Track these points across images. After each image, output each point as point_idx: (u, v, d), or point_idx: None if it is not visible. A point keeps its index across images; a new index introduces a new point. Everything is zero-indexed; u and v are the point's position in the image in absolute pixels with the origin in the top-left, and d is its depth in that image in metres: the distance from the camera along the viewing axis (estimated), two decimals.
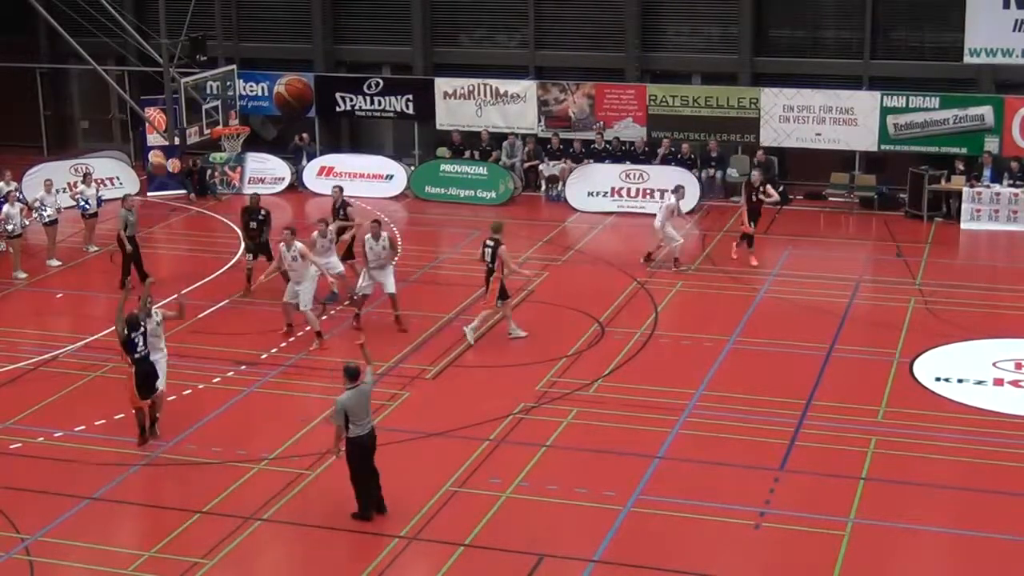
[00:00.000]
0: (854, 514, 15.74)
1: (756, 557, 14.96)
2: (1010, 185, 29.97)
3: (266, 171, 34.21)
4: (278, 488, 16.53)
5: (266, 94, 36.29)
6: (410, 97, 35.22)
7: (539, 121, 34.17)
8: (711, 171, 32.68)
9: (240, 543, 15.17)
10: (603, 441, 18.01)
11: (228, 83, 34.44)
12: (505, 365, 20.85)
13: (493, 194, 32.47)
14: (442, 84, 34.86)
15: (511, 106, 34.29)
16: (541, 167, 33.38)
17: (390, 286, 22.53)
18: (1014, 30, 30.33)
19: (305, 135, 35.10)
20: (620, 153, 32.91)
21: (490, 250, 21.90)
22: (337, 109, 35.93)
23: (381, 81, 35.51)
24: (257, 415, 19.17)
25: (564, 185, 32.27)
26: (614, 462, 17.32)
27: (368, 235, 22.42)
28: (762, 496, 16.25)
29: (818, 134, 32.17)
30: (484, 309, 22.19)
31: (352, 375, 15.62)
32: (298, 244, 21.86)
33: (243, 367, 20.93)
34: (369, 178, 33.47)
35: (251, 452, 17.64)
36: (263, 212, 25.02)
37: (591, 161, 32.64)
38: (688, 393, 19.58)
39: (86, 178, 28.79)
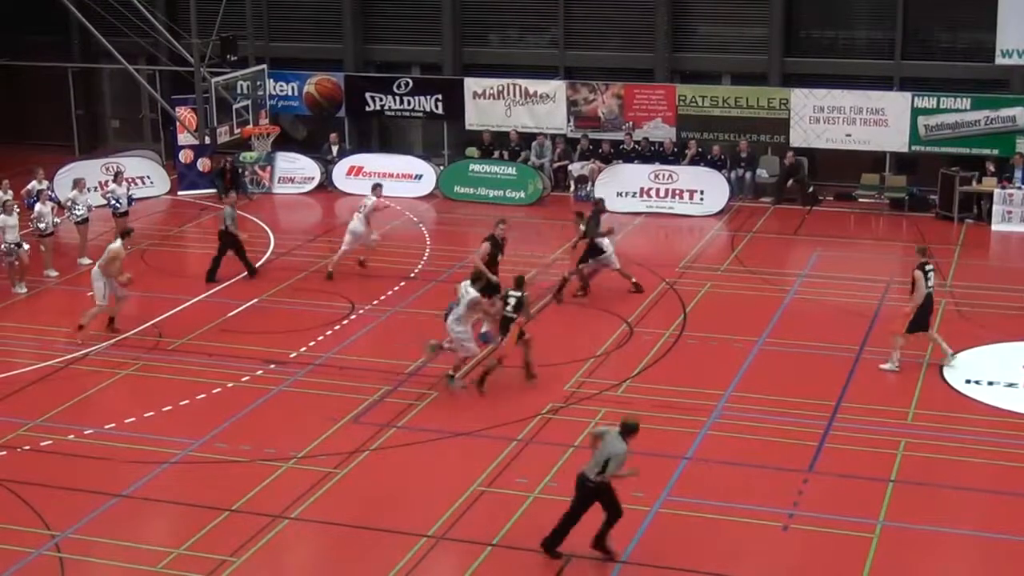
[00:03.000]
0: (883, 516, 15.69)
1: (784, 559, 14.93)
2: None
3: (296, 171, 34.31)
4: (306, 487, 16.58)
5: (296, 94, 36.40)
6: (439, 97, 35.28)
7: (568, 121, 34.17)
8: (741, 171, 32.60)
9: (268, 541, 15.23)
10: (632, 442, 17.95)
11: (258, 83, 34.54)
12: (534, 365, 20.82)
13: (522, 194, 32.49)
14: (471, 84, 34.90)
15: (540, 106, 34.29)
16: (570, 167, 33.37)
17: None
18: None
19: (334, 135, 35.17)
20: (649, 153, 32.87)
21: (514, 301, 20.14)
22: (367, 109, 36.01)
23: (411, 81, 35.58)
24: (286, 414, 19.22)
25: (593, 185, 32.25)
26: (642, 463, 17.17)
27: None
28: (791, 497, 16.22)
29: (848, 135, 32.06)
30: (499, 356, 20.36)
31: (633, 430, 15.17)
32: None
33: (272, 366, 21.00)
34: (398, 178, 33.51)
35: (280, 450, 17.70)
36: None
37: (620, 161, 32.61)
38: (717, 394, 19.55)
39: (117, 177, 28.95)
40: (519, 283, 20.17)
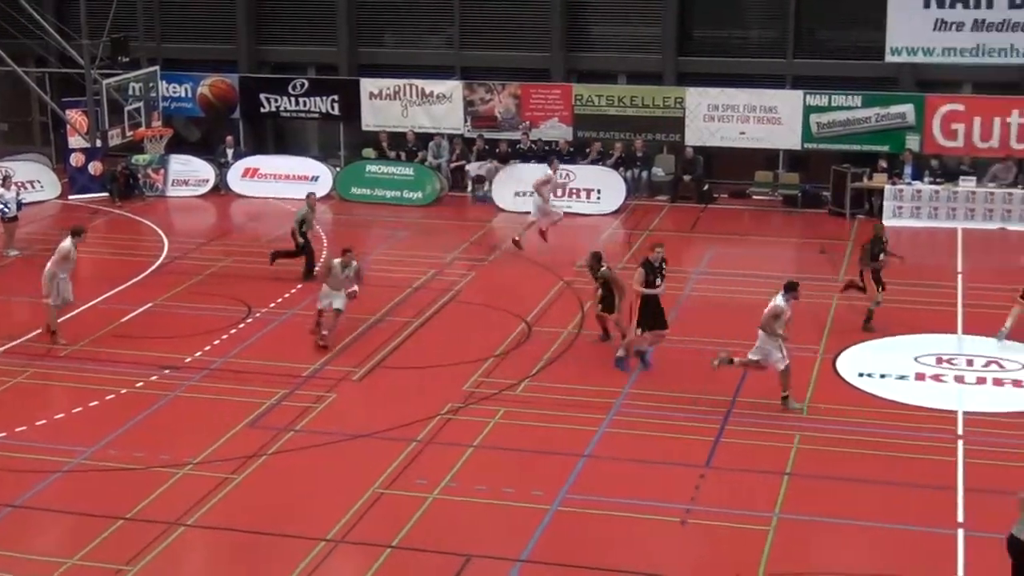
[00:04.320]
0: (779, 509, 15.86)
1: (683, 553, 15.03)
2: (931, 182, 30.39)
3: (190, 173, 33.90)
4: (203, 493, 16.36)
5: (189, 95, 36.01)
6: (335, 98, 35.10)
7: (465, 121, 34.16)
8: (637, 170, 32.81)
9: (164, 549, 14.99)
10: (531, 441, 18.02)
11: (151, 84, 34.11)
12: (432, 366, 20.79)
13: (419, 194, 32.42)
14: (368, 84, 34.76)
15: (437, 106, 34.25)
16: (467, 167, 33.37)
17: (340, 304, 21.83)
18: (934, 29, 30.73)
19: (229, 137, 34.82)
20: (545, 153, 32.96)
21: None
22: (262, 110, 35.72)
23: (306, 82, 35.36)
24: (181, 419, 18.95)
25: (491, 185, 32.28)
26: (541, 461, 17.33)
27: (337, 261, 21.69)
28: (688, 492, 16.33)
29: (742, 133, 32.43)
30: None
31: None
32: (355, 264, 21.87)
33: (167, 371, 20.72)
34: (294, 179, 33.27)
35: (175, 457, 17.45)
36: None
37: (517, 161, 32.66)
38: (615, 391, 19.64)
39: (5, 181, 28.35)
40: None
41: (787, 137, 32.27)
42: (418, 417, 18.66)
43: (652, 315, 20.40)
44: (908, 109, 31.50)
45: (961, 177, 30.35)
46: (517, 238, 27.56)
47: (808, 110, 31.99)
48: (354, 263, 21.74)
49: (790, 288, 18.86)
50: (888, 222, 29.75)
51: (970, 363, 20.86)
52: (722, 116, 32.50)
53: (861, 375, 20.37)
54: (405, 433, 18.14)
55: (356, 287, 21.81)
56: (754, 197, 32.56)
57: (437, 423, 18.53)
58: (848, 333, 22.16)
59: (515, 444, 17.90)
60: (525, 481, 16.60)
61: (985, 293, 24.45)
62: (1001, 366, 20.78)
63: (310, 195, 26.81)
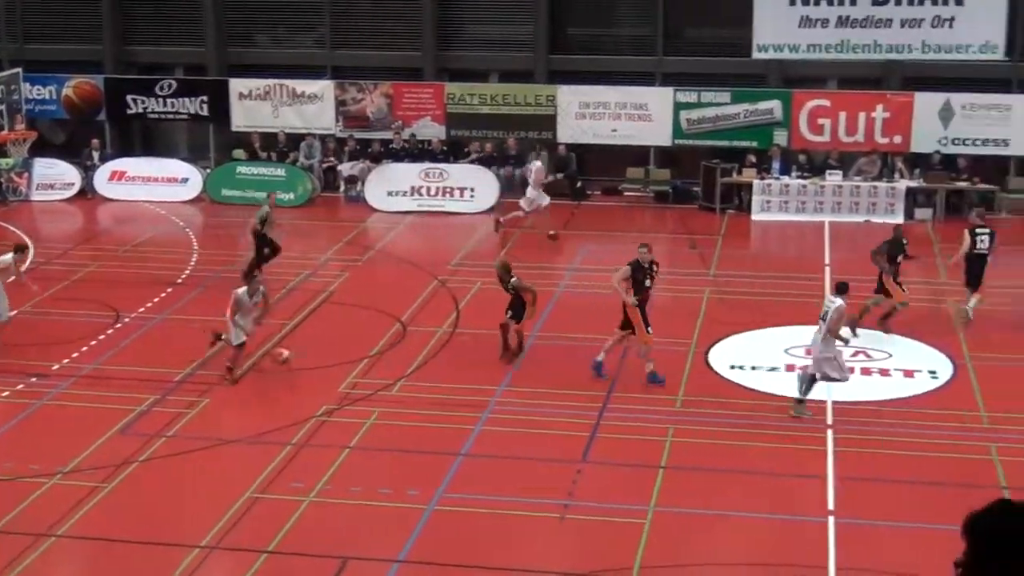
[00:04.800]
0: (655, 502, 15.99)
1: (561, 548, 15.09)
2: (798, 177, 30.93)
3: (55, 177, 33.25)
4: (73, 502, 16.02)
5: (53, 97, 35.27)
6: (204, 99, 34.64)
7: (337, 121, 33.96)
8: (510, 169, 32.90)
9: (33, 561, 14.65)
10: (407, 441, 17.95)
11: (13, 87, 33.34)
12: (306, 368, 20.61)
13: (292, 195, 32.14)
14: (237, 85, 34.38)
15: (308, 106, 34.00)
16: (340, 167, 33.17)
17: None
18: (800, 26, 31.27)
19: (95, 140, 34.18)
20: (418, 152, 32.90)
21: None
22: (128, 112, 35.12)
23: (174, 83, 34.85)
24: (50, 428, 18.54)
25: (363, 185, 32.13)
26: (418, 461, 17.27)
27: (243, 290, 20.29)
28: (566, 488, 16.40)
29: (614, 130, 32.68)
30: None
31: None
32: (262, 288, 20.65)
33: (34, 379, 20.25)
34: (164, 182, 32.80)
35: (44, 466, 17.06)
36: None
37: (390, 161, 32.55)
38: (491, 389, 19.66)
39: None
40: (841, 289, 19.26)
41: (658, 134, 32.60)
42: (293, 420, 18.48)
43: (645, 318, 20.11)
44: (775, 105, 32.02)
45: (828, 171, 30.93)
46: (551, 233, 28.47)
47: (678, 107, 32.35)
48: (261, 288, 20.51)
49: (843, 289, 18.89)
50: (757, 216, 30.31)
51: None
52: (594, 114, 32.73)
53: (733, 367, 20.65)
54: (280, 436, 17.95)
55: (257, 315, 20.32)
56: (626, 194, 32.86)
57: (312, 425, 18.38)
58: (719, 326, 22.44)
59: (391, 444, 17.83)
60: (402, 481, 16.53)
61: (852, 284, 24.86)
62: (868, 356, 21.21)
63: (271, 194, 26.74)
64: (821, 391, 19.31)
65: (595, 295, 24.40)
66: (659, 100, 32.50)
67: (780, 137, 31.93)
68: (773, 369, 20.58)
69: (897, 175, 30.90)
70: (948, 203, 30.85)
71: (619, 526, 15.43)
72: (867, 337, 21.89)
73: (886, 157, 31.59)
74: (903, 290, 22.26)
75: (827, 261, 26.93)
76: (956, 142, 31.41)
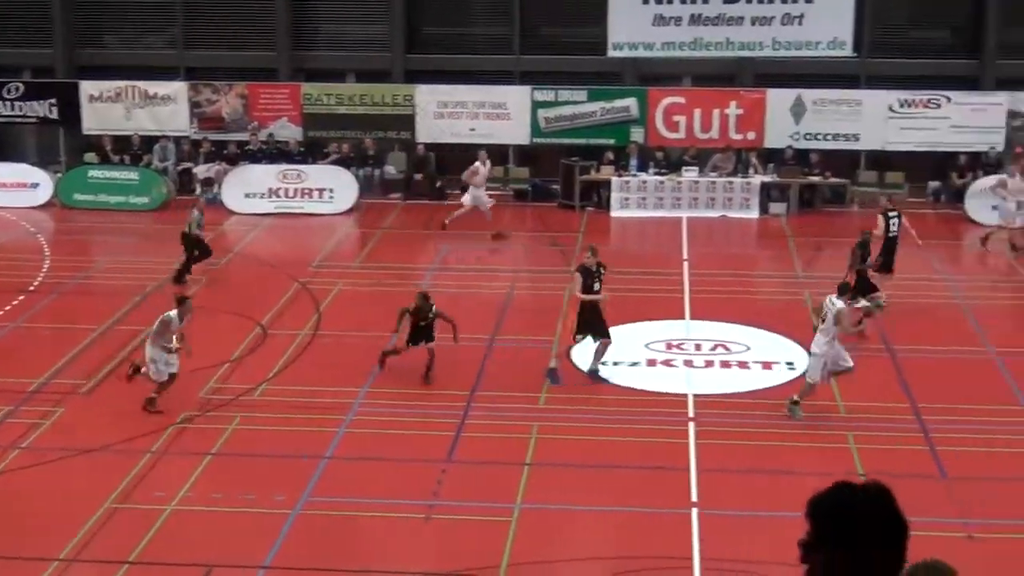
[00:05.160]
0: (520, 499, 16.03)
1: (428, 549, 15.05)
2: (656, 174, 31.26)
3: None
4: None
5: None
6: (53, 101, 33.82)
7: (191, 123, 33.43)
8: (369, 169, 32.72)
9: None
10: (270, 445, 17.73)
11: None
12: None
13: (146, 199, 31.55)
14: (88, 87, 33.65)
15: (161, 108, 33.43)
16: (195, 170, 32.66)
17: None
18: (653, 24, 31.60)
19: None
20: (275, 153, 32.57)
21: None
22: None
23: (21, 86, 33.95)
24: None
25: (220, 187, 31.68)
26: (282, 466, 17.07)
27: (174, 313, 18.94)
28: (431, 488, 16.35)
29: (472, 129, 32.70)
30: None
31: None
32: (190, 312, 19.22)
33: None
34: (12, 187, 31.93)
35: None
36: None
37: (247, 162, 32.15)
38: (354, 391, 19.52)
39: None
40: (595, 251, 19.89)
41: (516, 132, 32.71)
42: (152, 428, 18.12)
43: (588, 322, 19.91)
44: (632, 103, 32.34)
45: (684, 168, 31.32)
46: (495, 232, 28.52)
47: (536, 105, 32.49)
48: (190, 313, 19.19)
49: (844, 290, 18.97)
50: (615, 213, 30.58)
51: (698, 347, 21.53)
52: (452, 113, 32.72)
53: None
54: (139, 445, 17.60)
55: (179, 346, 18.78)
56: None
57: (172, 432, 18.05)
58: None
59: (254, 450, 17.60)
60: (266, 486, 16.33)
61: (710, 279, 25.30)
62: (728, 349, 21.52)
63: (198, 199, 26.75)
64: (681, 384, 19.55)
65: (456, 295, 24.37)
66: (517, 99, 32.61)
67: (637, 134, 32.26)
68: (635, 364, 20.75)
69: (752, 171, 31.43)
70: (801, 197, 31.45)
71: (486, 524, 15.44)
72: (724, 330, 22.20)
73: (740, 153, 32.10)
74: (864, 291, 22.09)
75: (685, 256, 27.27)
76: (808, 137, 32.06)
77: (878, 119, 31.96)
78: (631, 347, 21.43)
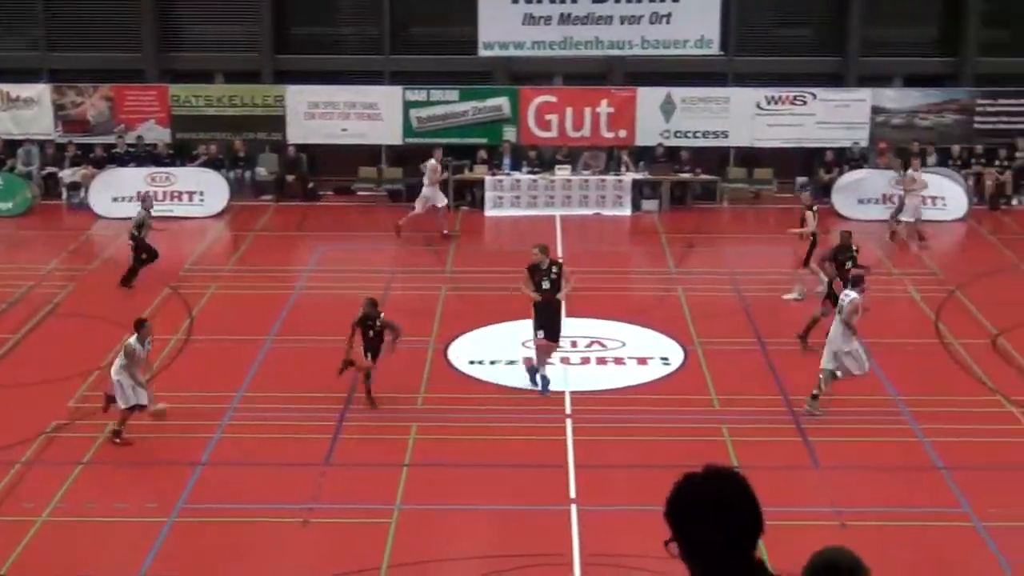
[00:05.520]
0: (400, 501, 15.97)
1: (307, 553, 14.90)
2: (529, 172, 31.36)
3: None
4: None
5: None
6: None
7: (56, 126, 32.71)
8: (239, 171, 32.35)
9: None
10: (143, 453, 17.43)
11: None
12: (33, 383, 19.76)
13: (10, 205, 30.78)
14: None
15: (24, 111, 32.65)
16: (60, 174, 31.96)
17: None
18: (524, 23, 31.69)
19: None
20: (144, 155, 32.02)
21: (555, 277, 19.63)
22: None
23: None
24: None
25: (87, 191, 31.05)
26: (156, 473, 16.83)
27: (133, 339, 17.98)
28: (310, 492, 16.22)
29: (344, 129, 32.50)
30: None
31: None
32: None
33: None
34: None
35: None
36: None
37: (114, 166, 31.57)
38: (229, 396, 19.27)
39: None
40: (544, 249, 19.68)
41: (388, 133, 32.57)
42: (20, 438, 17.70)
43: (540, 321, 19.59)
44: (503, 102, 32.40)
45: (557, 166, 31.46)
46: (445, 232, 28.31)
47: (408, 105, 32.38)
48: (150, 337, 18.29)
49: (857, 282, 18.92)
50: (489, 213, 30.62)
51: (574, 344, 21.62)
52: (323, 113, 32.48)
53: (472, 363, 20.78)
54: (7, 456, 17.18)
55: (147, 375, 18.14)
56: (359, 193, 32.71)
57: (42, 442, 17.65)
58: (457, 322, 22.56)
59: (127, 458, 17.28)
60: (139, 495, 16.08)
61: (584, 276, 25.38)
62: (603, 345, 21.67)
63: (146, 198, 25.98)
64: (558, 382, 19.63)
65: (332, 296, 24.23)
66: (388, 99, 32.47)
67: (509, 134, 32.33)
68: (512, 363, 20.77)
69: (623, 168, 31.68)
70: (673, 195, 31.77)
71: (365, 527, 15.37)
72: (600, 327, 22.35)
73: (612, 151, 32.35)
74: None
75: (560, 254, 27.36)
76: (678, 135, 32.41)
77: (746, 116, 32.43)
78: (508, 345, 21.45)
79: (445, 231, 28.42)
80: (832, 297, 20.60)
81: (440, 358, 20.97)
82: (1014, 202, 32.04)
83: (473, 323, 22.57)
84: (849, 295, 18.74)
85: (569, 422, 18.40)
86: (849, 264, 21.34)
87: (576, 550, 14.70)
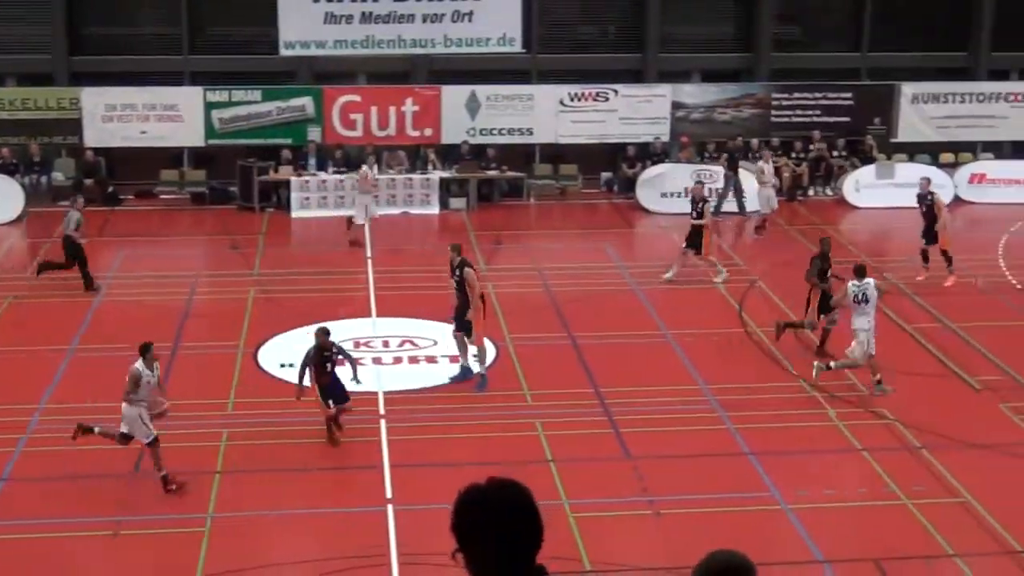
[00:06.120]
0: (212, 509, 15.69)
1: (119, 566, 14.56)
2: (335, 172, 31.11)
3: None
4: None
5: None
6: None
7: None
8: (35, 176, 31.35)
9: None
10: None
11: None
12: None
13: None
14: None
15: None
16: None
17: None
18: (325, 22, 31.47)
19: None
20: None
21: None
22: None
23: None
24: None
25: None
26: None
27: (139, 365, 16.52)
28: (118, 503, 15.81)
29: (144, 132, 31.79)
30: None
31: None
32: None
33: None
34: None
35: None
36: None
37: None
38: (30, 409, 18.65)
39: None
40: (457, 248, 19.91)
41: (190, 134, 31.98)
42: None
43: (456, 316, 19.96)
44: (307, 101, 32.11)
45: (364, 165, 31.26)
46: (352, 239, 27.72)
47: (209, 106, 31.84)
48: (157, 362, 16.77)
49: (863, 272, 19.55)
50: (296, 214, 30.31)
51: (386, 344, 21.56)
52: (121, 116, 31.70)
53: (283, 366, 20.50)
54: None
55: (165, 402, 16.81)
56: (162, 196, 32.06)
57: None
58: (266, 326, 22.26)
59: None
60: None
61: (394, 276, 25.38)
62: (415, 344, 21.64)
63: (77, 200, 24.89)
64: (371, 382, 19.53)
65: (137, 303, 23.67)
66: (189, 100, 31.88)
67: (314, 133, 32.05)
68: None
69: (430, 167, 31.69)
70: (480, 192, 31.90)
71: (178, 537, 15.07)
72: (411, 326, 22.32)
73: (418, 149, 32.32)
74: (821, 313, 21.05)
75: (369, 254, 27.24)
76: (484, 132, 32.58)
77: (550, 113, 32.77)
78: None
79: (352, 239, 27.89)
80: (823, 307, 20.90)
81: (250, 362, 20.67)
82: (811, 192, 33.07)
83: (283, 326, 22.29)
84: (868, 284, 19.49)
85: (383, 422, 18.31)
86: (828, 274, 21.20)
87: (393, 550, 14.65)
